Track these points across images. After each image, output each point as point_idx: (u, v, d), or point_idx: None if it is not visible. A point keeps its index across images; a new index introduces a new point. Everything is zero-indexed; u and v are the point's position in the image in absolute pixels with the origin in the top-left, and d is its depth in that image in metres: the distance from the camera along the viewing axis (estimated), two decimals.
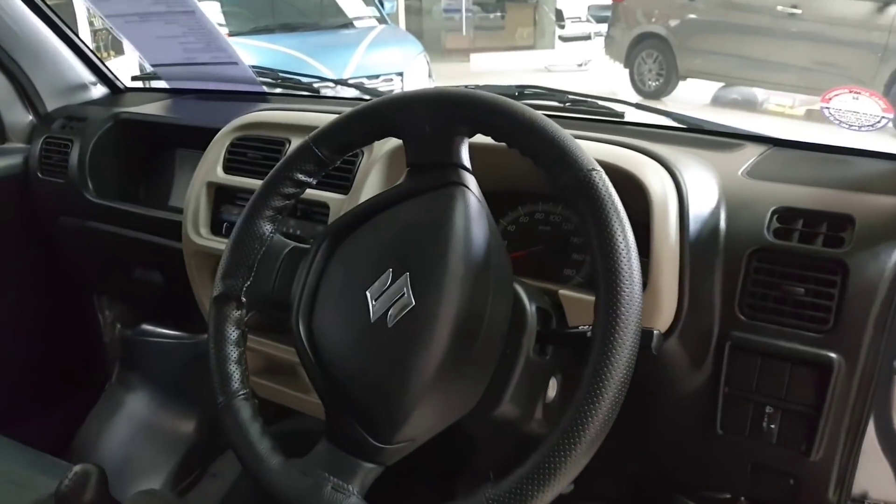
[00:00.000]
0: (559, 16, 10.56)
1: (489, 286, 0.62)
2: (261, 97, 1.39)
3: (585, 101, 1.11)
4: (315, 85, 1.36)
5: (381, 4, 6.03)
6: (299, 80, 1.39)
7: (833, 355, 0.72)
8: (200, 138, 1.27)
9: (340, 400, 0.63)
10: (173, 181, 1.35)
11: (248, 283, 0.69)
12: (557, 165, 0.59)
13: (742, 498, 0.95)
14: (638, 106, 1.13)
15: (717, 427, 0.79)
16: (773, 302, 0.75)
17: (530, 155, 0.61)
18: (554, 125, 0.60)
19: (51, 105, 1.42)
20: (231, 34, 5.34)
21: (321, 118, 0.97)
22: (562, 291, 0.75)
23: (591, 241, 0.58)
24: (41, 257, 1.45)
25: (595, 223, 0.57)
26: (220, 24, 5.23)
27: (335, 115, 0.93)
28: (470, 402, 0.63)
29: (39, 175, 1.35)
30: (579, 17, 10.76)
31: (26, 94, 1.39)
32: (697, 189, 0.78)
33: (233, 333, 0.69)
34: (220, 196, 1.03)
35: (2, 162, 1.36)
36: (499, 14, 11.69)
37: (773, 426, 0.76)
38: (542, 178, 0.84)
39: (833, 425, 0.74)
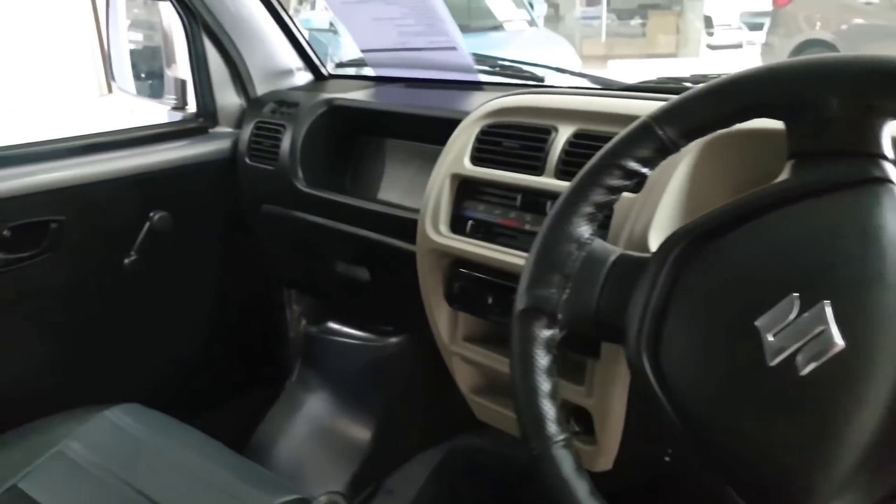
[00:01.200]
0: (708, 23, 10.07)
1: None
2: (476, 87, 1.28)
3: None
4: (539, 73, 1.24)
5: (532, 7, 5.92)
6: (520, 69, 1.26)
7: None
8: (416, 128, 1.18)
9: (718, 467, 0.48)
10: (383, 173, 1.26)
11: (566, 296, 0.56)
12: None
13: None
14: None
15: None
16: None
17: None
18: None
19: (260, 89, 1.37)
20: None
21: (598, 103, 0.83)
22: None
23: None
24: (239, 246, 1.40)
25: None
26: None
27: (613, 99, 0.79)
28: (894, 478, 0.47)
29: (247, 161, 1.30)
30: (730, 25, 10.22)
31: (240, 77, 1.34)
32: None
33: (543, 359, 0.56)
34: (464, 190, 0.92)
35: (212, 146, 1.32)
36: (639, 21, 11.33)
37: None
38: None
39: None
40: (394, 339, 1.43)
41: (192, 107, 1.37)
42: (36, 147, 1.14)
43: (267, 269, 1.45)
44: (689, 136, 0.55)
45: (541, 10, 6.09)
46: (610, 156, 0.57)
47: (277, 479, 0.94)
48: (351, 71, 1.49)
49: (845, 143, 0.48)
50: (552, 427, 0.54)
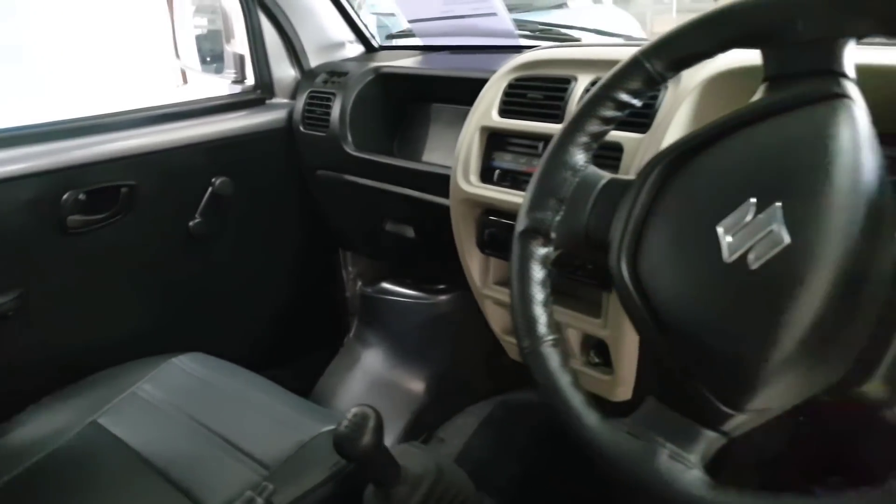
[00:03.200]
0: None
1: (879, 226, 0.48)
2: (516, 51, 1.31)
3: None
4: (576, 35, 1.27)
5: None
6: (559, 32, 1.29)
7: None
8: (458, 91, 1.23)
9: (680, 354, 0.52)
10: (427, 135, 1.32)
11: (559, 216, 0.61)
12: None
13: None
14: None
15: None
16: None
17: None
18: None
19: (313, 62, 1.45)
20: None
21: (615, 52, 0.87)
22: None
23: None
24: (297, 211, 1.49)
25: None
26: None
27: (633, 48, 0.83)
28: (839, 369, 0.49)
29: (302, 129, 1.39)
30: None
31: (294, 50, 1.43)
32: None
33: (538, 273, 0.61)
34: (492, 142, 0.97)
35: (269, 116, 1.41)
36: None
37: None
38: None
39: None
40: (444, 297, 1.50)
41: (250, 80, 1.47)
42: (107, 118, 1.25)
43: (324, 232, 1.54)
44: (675, 68, 0.59)
45: None
46: (603, 89, 0.61)
47: (327, 411, 1.01)
48: (400, 42, 1.55)
49: (810, 63, 0.51)
50: (542, 329, 0.59)
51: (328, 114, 1.33)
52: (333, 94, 1.33)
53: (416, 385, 1.58)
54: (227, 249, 1.41)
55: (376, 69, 1.33)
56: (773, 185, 0.50)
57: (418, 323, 1.55)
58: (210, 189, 1.32)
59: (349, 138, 1.31)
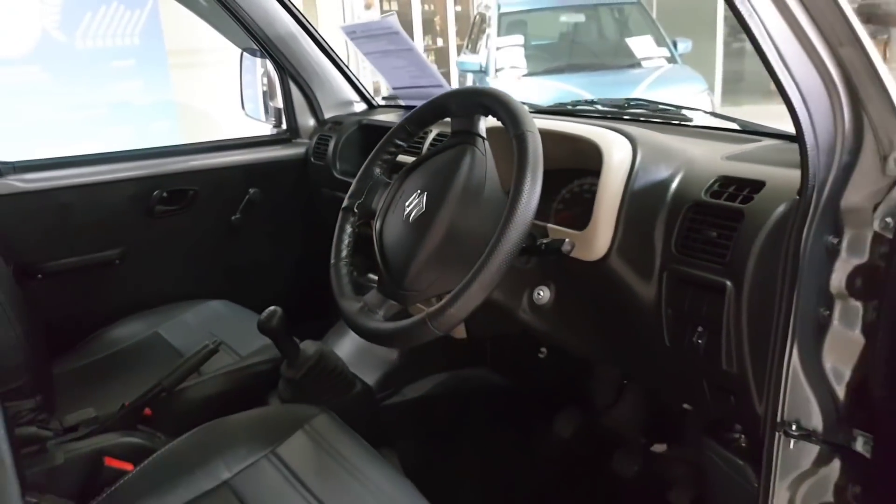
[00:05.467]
0: None
1: (479, 206, 1.01)
2: None
3: (668, 110, 1.41)
4: None
5: (675, 45, 6.22)
6: None
7: (726, 282, 0.94)
8: None
9: (384, 263, 1.07)
10: None
11: (360, 201, 1.18)
12: (510, 126, 0.97)
13: (742, 437, 1.14)
14: (713, 113, 1.39)
15: (666, 340, 1.03)
16: (698, 243, 0.99)
17: (502, 122, 0.99)
18: (515, 101, 0.98)
19: (327, 114, 2.09)
20: (527, 74, 6.05)
21: None
22: (549, 225, 1.11)
23: (514, 176, 0.94)
24: (307, 216, 2.12)
25: (518, 165, 0.94)
26: (515, 67, 5.99)
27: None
28: (456, 280, 0.97)
29: (312, 160, 2.03)
30: None
31: (312, 106, 2.08)
32: (654, 160, 1.07)
33: (348, 229, 1.18)
34: None
35: (293, 150, 2.08)
36: None
37: (700, 341, 0.98)
38: (589, 158, 1.19)
39: (735, 341, 0.94)
40: None
41: (284, 125, 2.13)
42: (186, 146, 1.94)
43: (326, 232, 2.15)
44: (420, 127, 1.16)
45: (684, 47, 6.33)
46: (389, 136, 1.18)
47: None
48: (392, 101, 2.16)
49: (463, 126, 1.07)
50: (342, 255, 1.15)
51: (327, 150, 1.96)
52: (331, 136, 1.96)
53: (390, 353, 2.13)
54: (256, 238, 2.05)
55: (358, 121, 1.95)
56: (427, 184, 1.06)
57: None
58: (247, 196, 1.98)
59: (338, 167, 1.93)
